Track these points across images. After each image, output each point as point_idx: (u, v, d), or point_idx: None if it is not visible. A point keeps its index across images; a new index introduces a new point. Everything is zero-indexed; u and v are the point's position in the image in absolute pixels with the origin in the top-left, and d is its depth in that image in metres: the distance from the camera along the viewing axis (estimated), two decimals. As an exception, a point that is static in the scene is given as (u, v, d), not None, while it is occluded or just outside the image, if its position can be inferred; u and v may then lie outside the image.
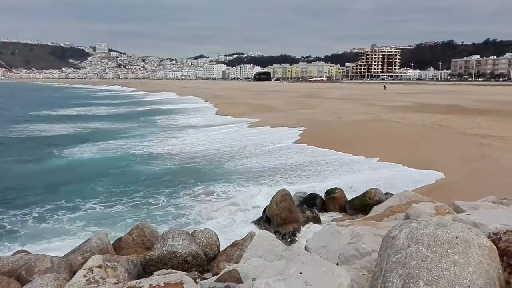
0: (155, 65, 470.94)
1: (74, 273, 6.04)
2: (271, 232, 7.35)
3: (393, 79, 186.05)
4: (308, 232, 10.19)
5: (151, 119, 40.34)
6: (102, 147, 24.45)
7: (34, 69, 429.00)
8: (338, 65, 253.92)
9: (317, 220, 10.85)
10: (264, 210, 11.03)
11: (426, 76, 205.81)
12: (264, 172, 16.99)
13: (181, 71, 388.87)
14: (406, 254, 2.48)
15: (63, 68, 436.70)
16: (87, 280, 4.89)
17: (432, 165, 15.73)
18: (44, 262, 6.86)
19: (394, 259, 2.52)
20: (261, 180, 15.72)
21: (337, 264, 3.57)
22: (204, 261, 7.57)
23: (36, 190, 15.06)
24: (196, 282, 4.32)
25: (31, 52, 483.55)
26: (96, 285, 4.54)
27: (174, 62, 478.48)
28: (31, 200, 13.66)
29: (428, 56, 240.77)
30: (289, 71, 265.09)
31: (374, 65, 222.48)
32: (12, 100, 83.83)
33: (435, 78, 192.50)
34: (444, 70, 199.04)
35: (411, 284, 2.35)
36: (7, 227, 11.47)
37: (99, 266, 5.08)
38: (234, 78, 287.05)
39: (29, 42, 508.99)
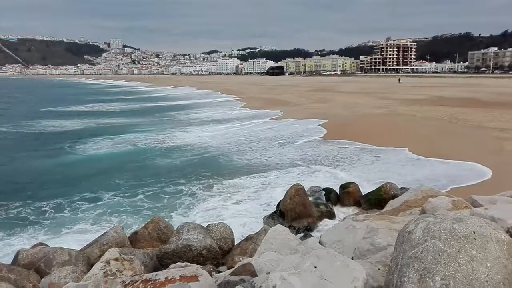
0: (169, 60, 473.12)
1: (92, 265, 6.15)
2: (285, 226, 7.37)
3: (409, 72, 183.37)
4: (322, 226, 10.18)
5: (173, 114, 40.55)
6: (130, 142, 24.83)
7: (50, 66, 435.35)
8: (352, 58, 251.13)
9: (331, 215, 10.83)
10: (278, 204, 11.04)
11: (442, 69, 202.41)
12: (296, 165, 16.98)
13: (195, 66, 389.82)
14: (422, 249, 2.46)
15: (78, 64, 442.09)
16: (104, 272, 4.97)
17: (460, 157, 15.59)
18: (62, 255, 6.99)
19: (410, 254, 2.50)
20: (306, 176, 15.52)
21: (352, 259, 3.56)
22: (218, 254, 7.63)
23: (54, 184, 15.27)
24: (211, 275, 4.36)
25: (47, 48, 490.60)
26: (113, 277, 4.62)
27: (188, 57, 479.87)
28: (48, 194, 13.85)
29: (444, 49, 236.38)
30: (302, 65, 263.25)
31: (389, 58, 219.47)
32: (30, 96, 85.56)
33: (451, 71, 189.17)
34: (461, 62, 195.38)
35: (427, 279, 2.33)
36: (25, 220, 11.68)
37: (116, 259, 5.16)
38: (247, 72, 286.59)
39: (45, 39, 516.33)
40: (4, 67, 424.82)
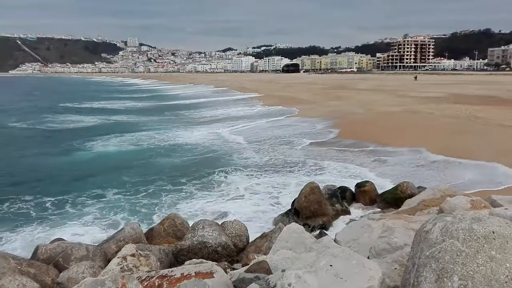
0: (184, 58, 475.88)
1: (109, 261, 6.24)
2: (299, 224, 7.35)
3: (426, 70, 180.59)
4: (337, 225, 10.13)
5: (191, 112, 40.89)
6: (152, 139, 25.18)
7: (68, 64, 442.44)
8: (369, 55, 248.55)
9: (346, 214, 10.77)
10: (293, 202, 11.02)
11: (461, 66, 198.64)
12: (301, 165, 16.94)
13: (210, 64, 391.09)
14: (440, 249, 2.43)
15: (96, 63, 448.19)
16: (121, 268, 5.04)
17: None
18: (80, 250, 7.12)
19: (427, 254, 2.47)
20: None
21: (367, 258, 3.53)
22: (233, 251, 7.67)
23: (60, 181, 15.56)
24: (226, 272, 4.38)
25: (65, 47, 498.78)
26: (129, 273, 4.68)
27: (203, 55, 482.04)
28: (54, 190, 14.11)
29: (463, 46, 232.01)
30: (318, 62, 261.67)
31: (407, 55, 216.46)
32: (50, 93, 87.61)
33: (470, 68, 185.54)
34: (480, 60, 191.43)
35: (445, 279, 2.30)
36: (36, 214, 12.01)
37: (133, 255, 5.23)
38: (262, 70, 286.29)
39: (63, 38, 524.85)
40: (24, 66, 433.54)
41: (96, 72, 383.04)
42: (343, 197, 11.51)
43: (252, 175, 15.54)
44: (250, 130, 26.32)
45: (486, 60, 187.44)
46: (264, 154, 19.07)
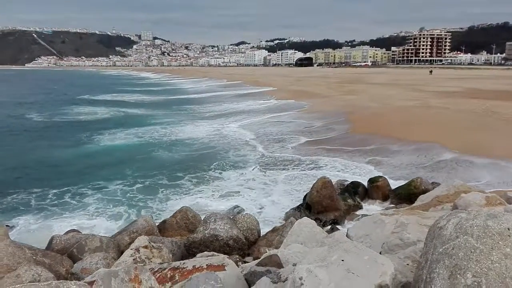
0: (198, 52, 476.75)
1: (122, 252, 6.33)
2: (311, 219, 7.35)
3: (443, 64, 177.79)
4: (349, 220, 10.09)
5: (201, 106, 41.01)
6: (164, 131, 25.56)
7: (83, 57, 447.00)
8: (384, 49, 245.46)
9: (359, 209, 10.71)
10: (305, 197, 11.00)
11: (478, 60, 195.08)
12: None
13: (223, 58, 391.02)
14: (454, 245, 2.40)
15: (110, 56, 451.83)
16: (134, 259, 5.10)
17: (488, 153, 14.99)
18: (94, 241, 7.22)
19: (441, 250, 2.45)
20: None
21: (380, 253, 3.51)
22: (245, 245, 7.70)
23: (64, 173, 15.96)
24: (237, 265, 4.40)
25: (80, 40, 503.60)
26: (142, 264, 4.73)
27: (216, 49, 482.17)
28: (64, 182, 14.47)
29: (480, 39, 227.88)
30: (332, 56, 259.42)
31: (422, 49, 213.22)
32: (66, 86, 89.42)
33: (488, 62, 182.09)
34: (498, 54, 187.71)
35: (458, 276, 2.28)
36: (39, 205, 12.37)
37: (145, 247, 5.28)
38: (275, 64, 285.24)
39: (78, 31, 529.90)
40: (40, 59, 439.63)
41: (110, 66, 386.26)
42: (356, 192, 11.45)
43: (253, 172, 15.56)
44: (258, 125, 26.19)
45: (504, 54, 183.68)
46: (270, 149, 19.02)
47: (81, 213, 11.62)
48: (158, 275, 4.06)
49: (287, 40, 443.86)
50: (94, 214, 11.51)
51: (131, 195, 13.06)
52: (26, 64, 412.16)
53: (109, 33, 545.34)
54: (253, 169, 15.70)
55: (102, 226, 10.52)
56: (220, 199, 12.48)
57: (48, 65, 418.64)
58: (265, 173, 15.08)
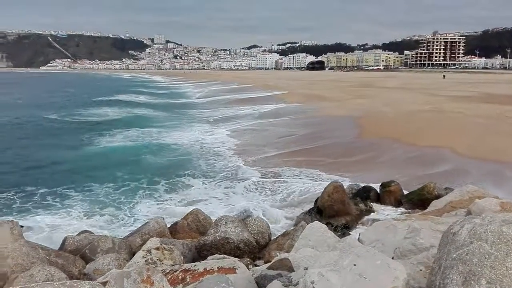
0: (210, 55, 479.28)
1: (133, 254, 6.37)
2: (322, 223, 7.31)
3: (456, 68, 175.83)
4: (361, 225, 10.01)
5: (208, 111, 41.01)
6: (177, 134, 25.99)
7: (97, 60, 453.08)
8: (397, 53, 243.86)
9: (371, 214, 10.62)
10: (316, 201, 10.95)
11: (492, 64, 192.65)
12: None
13: (234, 61, 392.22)
14: (468, 251, 2.38)
15: (123, 59, 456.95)
16: (145, 261, 5.14)
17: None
18: (106, 242, 7.29)
19: (454, 256, 2.42)
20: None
21: (392, 259, 3.48)
22: (255, 248, 7.69)
23: (61, 173, 16.56)
24: (248, 268, 4.41)
25: (94, 44, 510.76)
26: (154, 266, 4.76)
27: (228, 52, 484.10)
28: (55, 183, 14.86)
29: (495, 43, 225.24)
30: (344, 59, 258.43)
31: (436, 53, 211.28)
32: (81, 88, 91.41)
33: (502, 66, 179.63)
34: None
35: (472, 282, 2.25)
36: (39, 203, 12.78)
37: (157, 248, 5.32)
38: (287, 67, 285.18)
39: (92, 35, 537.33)
40: (54, 62, 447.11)
41: (123, 69, 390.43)
42: (368, 197, 11.36)
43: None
44: (260, 129, 25.99)
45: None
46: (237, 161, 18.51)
47: (60, 212, 11.99)
48: (169, 276, 4.09)
49: (298, 44, 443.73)
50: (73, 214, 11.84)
51: (114, 197, 13.35)
52: (41, 67, 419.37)
53: (123, 37, 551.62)
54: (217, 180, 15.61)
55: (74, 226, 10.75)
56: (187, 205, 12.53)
57: (63, 68, 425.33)
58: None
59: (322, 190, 10.62)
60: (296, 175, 15.15)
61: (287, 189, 13.58)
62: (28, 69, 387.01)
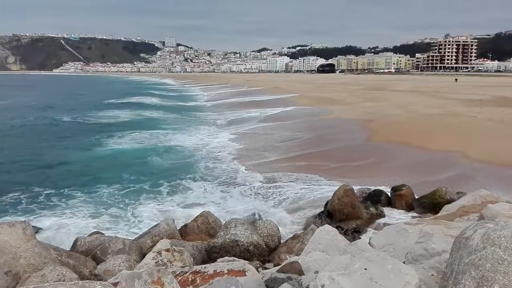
0: (220, 58, 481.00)
1: (144, 255, 6.41)
2: (332, 227, 7.27)
3: (469, 71, 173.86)
4: (371, 229, 9.93)
5: (214, 114, 41.15)
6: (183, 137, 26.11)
7: (108, 63, 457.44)
8: (408, 56, 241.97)
9: (381, 218, 10.53)
10: (326, 204, 10.91)
11: (506, 67, 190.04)
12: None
13: (245, 64, 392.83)
14: (480, 256, 2.35)
15: (135, 62, 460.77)
16: (156, 262, 5.17)
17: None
18: (117, 243, 7.34)
19: (467, 261, 2.39)
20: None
21: (403, 263, 3.45)
22: (265, 251, 7.68)
23: (67, 174, 16.74)
24: (258, 271, 4.40)
25: (106, 47, 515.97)
26: (164, 267, 4.78)
27: (238, 55, 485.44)
28: (60, 184, 15.02)
29: (508, 46, 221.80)
30: (354, 62, 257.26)
31: (448, 56, 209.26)
32: (95, 91, 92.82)
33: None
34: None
35: (485, 287, 2.22)
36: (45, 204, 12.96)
37: (167, 250, 5.34)
38: (297, 70, 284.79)
39: (104, 38, 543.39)
40: (67, 65, 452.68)
41: (134, 72, 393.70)
42: (378, 200, 11.28)
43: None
44: (265, 133, 25.92)
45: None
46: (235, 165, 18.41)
47: (66, 213, 12.11)
48: (179, 278, 4.10)
49: (309, 47, 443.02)
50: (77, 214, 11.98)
51: (118, 199, 13.46)
52: (54, 70, 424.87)
53: (134, 40, 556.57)
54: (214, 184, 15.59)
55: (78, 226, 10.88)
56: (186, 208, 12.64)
57: (75, 70, 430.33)
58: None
59: (324, 195, 10.58)
60: (302, 180, 15.07)
61: (287, 193, 13.54)
62: (41, 72, 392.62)
